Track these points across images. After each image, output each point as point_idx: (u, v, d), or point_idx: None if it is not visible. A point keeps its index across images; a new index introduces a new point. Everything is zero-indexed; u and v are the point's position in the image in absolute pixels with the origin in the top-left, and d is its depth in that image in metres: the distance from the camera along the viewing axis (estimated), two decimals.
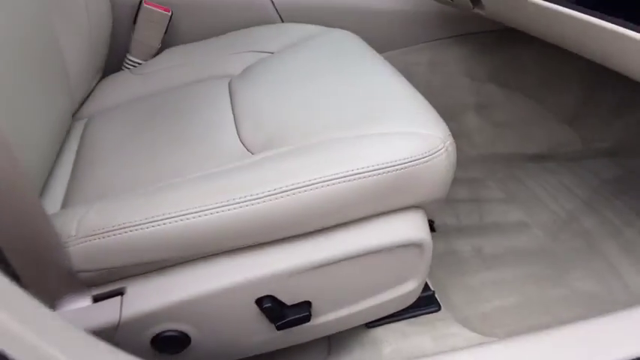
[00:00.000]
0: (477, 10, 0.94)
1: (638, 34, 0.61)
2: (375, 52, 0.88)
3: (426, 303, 0.76)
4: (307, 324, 0.62)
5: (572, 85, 1.26)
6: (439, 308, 0.77)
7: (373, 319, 0.70)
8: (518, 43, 1.19)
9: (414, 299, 0.69)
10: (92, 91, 0.95)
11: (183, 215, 0.51)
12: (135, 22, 1.02)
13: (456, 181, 1.17)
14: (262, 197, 0.53)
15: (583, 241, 1.02)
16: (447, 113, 1.25)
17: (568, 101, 1.29)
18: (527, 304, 0.86)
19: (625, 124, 1.31)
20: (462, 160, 1.23)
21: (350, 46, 0.90)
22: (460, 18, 1.13)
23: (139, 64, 1.03)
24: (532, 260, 0.97)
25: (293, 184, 0.53)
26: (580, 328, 0.56)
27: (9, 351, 0.27)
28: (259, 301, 0.58)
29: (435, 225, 1.01)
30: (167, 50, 1.02)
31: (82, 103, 0.93)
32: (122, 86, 0.94)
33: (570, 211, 1.10)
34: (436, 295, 0.79)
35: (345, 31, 0.97)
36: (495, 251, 0.98)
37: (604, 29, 0.65)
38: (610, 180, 1.21)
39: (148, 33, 1.01)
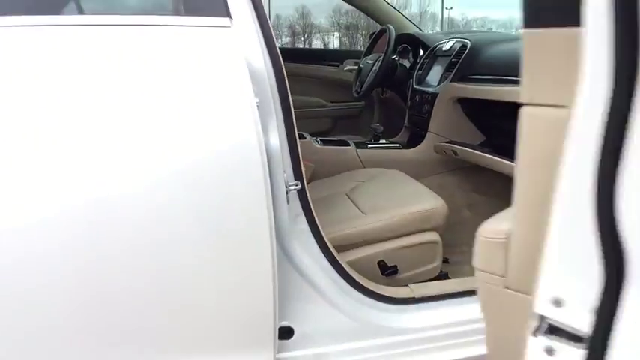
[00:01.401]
0: (458, 157, 2.05)
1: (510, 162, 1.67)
2: (412, 179, 1.96)
3: (445, 277, 1.71)
4: (396, 275, 1.59)
5: None
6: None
7: (423, 279, 1.66)
8: (488, 170, 2.27)
9: (437, 272, 1.66)
10: None
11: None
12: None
13: (462, 244, 2.15)
14: (377, 221, 1.56)
15: None
16: (451, 210, 2.28)
17: None
18: None
19: None
20: (464, 237, 2.22)
21: (400, 177, 1.99)
22: (453, 160, 2.22)
23: None
24: None
25: (385, 218, 1.57)
26: None
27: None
28: (378, 263, 1.57)
29: (449, 260, 1.99)
30: (312, 183, 2.14)
31: None
32: None
33: None
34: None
35: (397, 170, 2.08)
36: None
37: (502, 162, 1.72)
38: None
39: None
